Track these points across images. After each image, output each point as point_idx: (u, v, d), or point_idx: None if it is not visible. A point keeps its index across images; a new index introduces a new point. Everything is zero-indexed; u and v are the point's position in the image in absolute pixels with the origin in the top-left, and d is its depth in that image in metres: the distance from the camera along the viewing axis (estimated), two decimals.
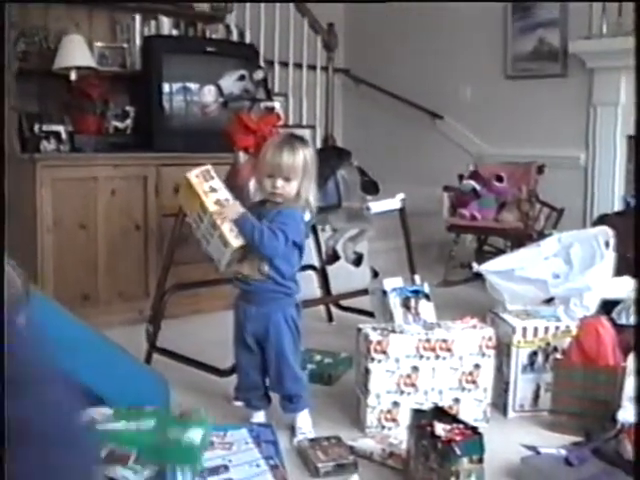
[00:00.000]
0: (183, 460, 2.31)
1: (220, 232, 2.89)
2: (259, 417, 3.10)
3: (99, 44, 5.01)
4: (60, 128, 4.59)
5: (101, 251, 4.52)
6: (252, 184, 3.48)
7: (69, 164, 4.45)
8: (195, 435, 2.35)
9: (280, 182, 2.90)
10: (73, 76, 4.66)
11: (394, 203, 3.96)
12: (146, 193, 4.64)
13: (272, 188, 2.91)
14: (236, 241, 2.87)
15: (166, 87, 4.90)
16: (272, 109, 3.64)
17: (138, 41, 5.13)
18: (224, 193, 3.00)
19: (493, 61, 6.84)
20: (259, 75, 3.55)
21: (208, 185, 3.00)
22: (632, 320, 3.41)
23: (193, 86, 4.91)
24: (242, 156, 3.51)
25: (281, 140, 2.99)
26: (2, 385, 2.03)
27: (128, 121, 4.98)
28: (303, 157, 2.93)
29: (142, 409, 2.47)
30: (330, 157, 3.94)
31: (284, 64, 6.30)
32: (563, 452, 2.77)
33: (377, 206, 3.92)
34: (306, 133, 5.49)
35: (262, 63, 5.54)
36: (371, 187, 3.99)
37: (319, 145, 5.87)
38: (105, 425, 2.20)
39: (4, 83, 3.16)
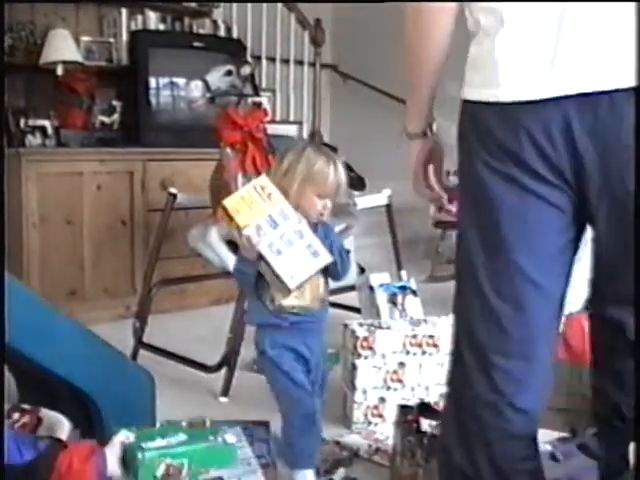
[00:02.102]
0: (227, 461, 2.32)
1: (310, 242, 2.43)
2: None
3: (86, 38, 5.00)
4: (46, 123, 4.58)
5: (87, 247, 4.50)
6: (237, 181, 3.49)
7: (55, 159, 4.44)
8: (229, 437, 2.34)
9: (330, 203, 2.57)
10: (59, 71, 4.65)
11: (381, 199, 3.96)
12: (132, 188, 4.62)
13: (324, 209, 2.55)
14: (328, 256, 2.45)
15: (153, 82, 4.90)
16: (259, 105, 3.63)
17: (125, 36, 5.11)
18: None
19: None
20: (246, 70, 3.54)
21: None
22: None
23: (180, 81, 4.91)
24: (229, 152, 3.50)
25: (325, 154, 2.59)
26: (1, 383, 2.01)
27: (115, 116, 4.97)
28: None
29: (164, 427, 2.46)
30: None
31: (271, 59, 6.30)
32: (549, 447, 2.78)
33: (364, 202, 3.91)
34: (293, 129, 5.49)
35: (249, 58, 5.52)
36: (358, 183, 3.99)
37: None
38: (147, 444, 2.19)
39: (4, 84, 3.15)
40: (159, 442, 2.18)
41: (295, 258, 2.40)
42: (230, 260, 3.55)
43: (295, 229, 2.42)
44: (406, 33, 1.82)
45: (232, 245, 3.58)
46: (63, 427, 2.54)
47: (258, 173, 3.50)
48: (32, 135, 4.49)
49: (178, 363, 3.57)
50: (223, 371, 3.40)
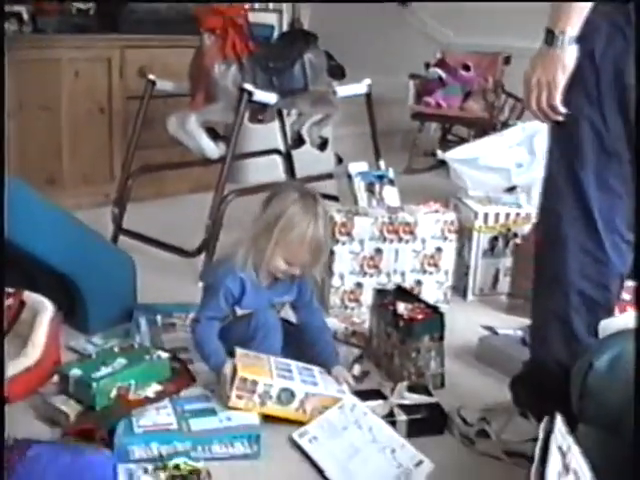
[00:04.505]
0: (164, 374, 2.44)
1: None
2: None
3: None
4: (22, 9, 4.49)
5: (65, 134, 4.47)
6: (217, 67, 3.47)
7: (31, 46, 4.37)
8: (161, 354, 2.48)
9: (298, 270, 2.50)
10: None
11: (360, 88, 3.94)
12: (110, 75, 4.57)
13: (290, 271, 2.50)
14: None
15: None
16: None
17: None
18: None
19: None
20: None
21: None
22: None
23: None
24: (208, 37, 3.46)
25: (311, 213, 2.45)
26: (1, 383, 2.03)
27: (90, 3, 4.87)
28: None
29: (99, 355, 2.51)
30: (297, 41, 3.90)
31: None
32: (520, 333, 2.86)
33: (343, 90, 3.90)
34: (272, 17, 5.42)
35: None
36: (338, 72, 3.97)
37: (285, 28, 5.80)
38: (95, 374, 2.30)
39: (4, 79, 3.09)
40: (105, 370, 2.34)
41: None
42: (209, 147, 3.57)
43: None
44: None
45: (211, 132, 3.60)
46: (46, 309, 2.58)
47: (238, 59, 3.49)
48: (8, 22, 4.40)
49: (157, 248, 3.60)
50: (202, 256, 3.45)
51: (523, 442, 2.13)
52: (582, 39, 1.89)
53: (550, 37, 1.90)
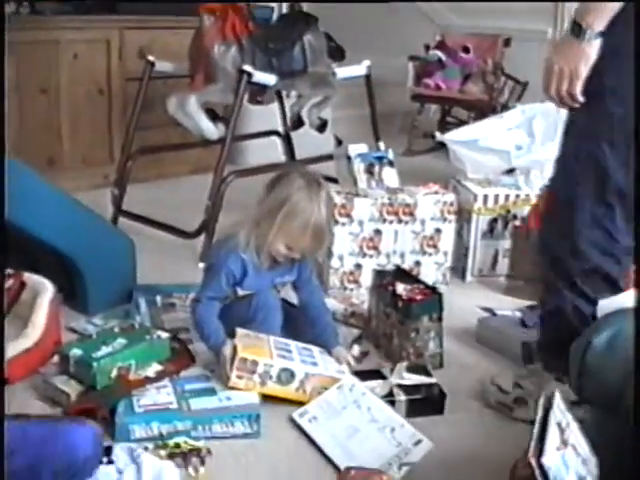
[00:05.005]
0: (164, 354, 2.45)
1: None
2: None
3: None
4: None
5: (64, 116, 4.47)
6: (216, 48, 3.46)
7: (29, 27, 4.35)
8: (161, 334, 2.49)
9: (298, 255, 2.50)
10: None
11: (360, 69, 3.94)
12: (109, 57, 4.56)
13: (289, 255, 2.50)
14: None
15: None
16: None
17: None
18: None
19: None
20: None
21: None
22: None
23: None
24: (208, 18, 3.46)
25: (316, 201, 2.42)
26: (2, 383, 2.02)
27: None
28: None
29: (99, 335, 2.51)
30: (297, 22, 3.90)
31: None
32: (518, 314, 2.87)
33: (343, 72, 3.89)
34: None
35: None
36: (337, 53, 3.96)
37: (285, 10, 5.79)
38: (96, 354, 2.30)
39: (4, 79, 3.09)
40: (105, 350, 2.34)
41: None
42: (209, 128, 3.57)
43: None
44: None
45: (211, 113, 3.60)
46: (47, 290, 2.58)
47: (238, 40, 3.48)
48: (6, 3, 4.39)
49: (157, 230, 3.60)
50: (202, 237, 3.46)
51: None
52: (615, 34, 1.94)
53: (577, 29, 1.96)
